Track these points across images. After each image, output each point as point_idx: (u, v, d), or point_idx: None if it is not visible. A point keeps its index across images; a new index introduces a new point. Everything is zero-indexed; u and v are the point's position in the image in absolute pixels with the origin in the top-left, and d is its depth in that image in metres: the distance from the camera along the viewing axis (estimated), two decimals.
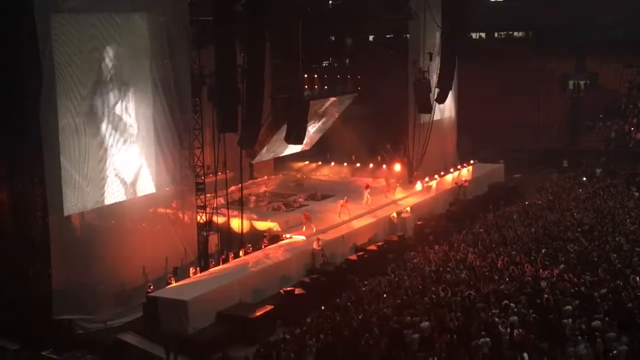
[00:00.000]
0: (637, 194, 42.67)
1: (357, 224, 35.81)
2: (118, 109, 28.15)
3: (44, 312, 26.03)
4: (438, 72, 44.70)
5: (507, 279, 27.37)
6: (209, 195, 31.85)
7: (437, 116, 45.42)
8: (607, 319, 22.73)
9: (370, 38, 50.29)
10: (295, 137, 35.64)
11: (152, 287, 27.26)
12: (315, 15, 38.74)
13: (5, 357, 25.18)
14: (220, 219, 33.08)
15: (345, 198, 36.76)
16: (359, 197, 37.86)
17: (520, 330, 22.24)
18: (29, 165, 26.89)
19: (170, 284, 27.65)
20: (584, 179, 48.90)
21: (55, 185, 26.12)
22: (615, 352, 20.53)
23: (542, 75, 62.48)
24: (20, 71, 26.26)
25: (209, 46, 31.59)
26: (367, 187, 38.57)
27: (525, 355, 20.44)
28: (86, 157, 26.92)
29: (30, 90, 25.65)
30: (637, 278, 26.14)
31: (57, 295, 26.21)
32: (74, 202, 26.62)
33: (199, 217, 31.53)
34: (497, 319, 23.21)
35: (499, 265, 29.31)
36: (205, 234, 31.60)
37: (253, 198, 39.44)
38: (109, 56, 27.60)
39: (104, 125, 27.64)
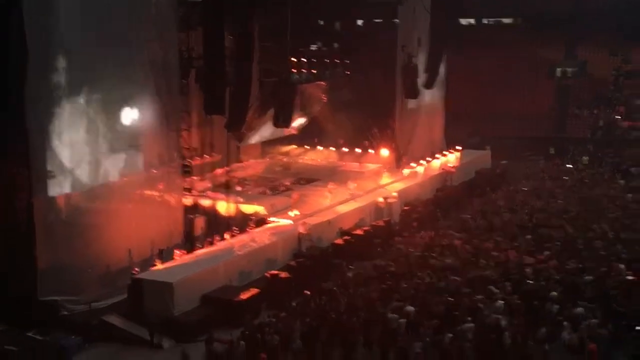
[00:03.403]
0: (622, 182, 42.93)
1: (344, 208, 35.80)
2: (105, 90, 27.94)
3: (29, 293, 25.92)
4: (426, 57, 44.68)
5: (493, 265, 27.52)
6: (195, 177, 31.76)
7: (424, 102, 45.40)
8: (590, 305, 22.92)
9: (360, 22, 50.04)
10: (283, 120, 35.59)
11: (137, 269, 27.21)
12: None
13: None
14: (206, 202, 33.02)
15: (329, 186, 36.78)
16: (345, 185, 37.86)
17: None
18: (14, 146, 26.57)
19: (156, 266, 27.62)
20: (570, 166, 49.15)
21: (40, 166, 25.95)
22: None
23: (531, 62, 62.43)
24: (6, 48, 25.90)
25: (198, 28, 31.39)
26: (351, 182, 38.57)
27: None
28: (71, 138, 26.72)
29: (16, 69, 25.34)
30: (621, 265, 26.37)
31: (42, 277, 26.06)
32: (59, 183, 26.47)
33: (185, 200, 31.41)
34: (481, 305, 23.37)
35: (484, 251, 29.46)
36: (191, 216, 31.55)
37: (236, 181, 39.32)
38: (96, 36, 27.35)
39: (90, 106, 27.44)
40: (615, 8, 59.35)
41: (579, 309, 22.79)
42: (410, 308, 23.26)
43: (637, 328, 21.58)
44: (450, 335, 21.31)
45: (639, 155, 49.06)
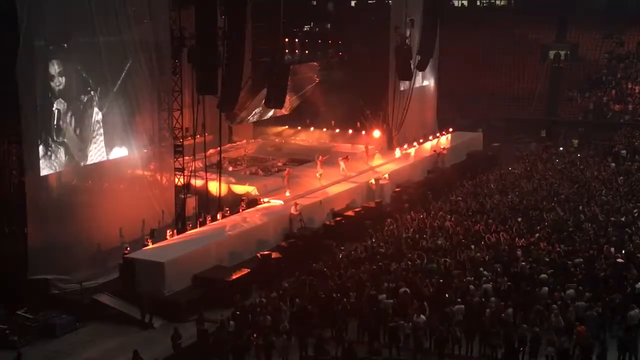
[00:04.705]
0: (613, 164, 43.03)
1: (335, 189, 35.80)
2: (97, 69, 27.84)
3: (19, 271, 25.91)
4: (419, 39, 44.58)
5: (484, 247, 27.61)
6: (187, 157, 31.73)
7: (417, 83, 45.36)
8: (580, 287, 23.06)
9: (352, 3, 49.87)
10: (275, 101, 35.48)
11: (128, 249, 27.22)
12: None
13: None
14: (198, 182, 33.01)
15: (321, 156, 36.72)
16: (336, 165, 37.75)
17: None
18: (5, 124, 26.47)
19: (147, 245, 27.62)
20: (562, 149, 49.24)
21: (32, 144, 25.88)
22: None
23: (523, 45, 62.43)
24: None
25: (190, 7, 31.22)
26: (345, 158, 38.31)
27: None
28: (63, 116, 26.66)
29: (7, 48, 25.18)
30: (611, 248, 26.50)
31: (33, 255, 26.05)
32: (50, 162, 26.42)
33: (176, 180, 31.41)
34: (472, 286, 23.48)
35: (475, 233, 29.53)
36: (183, 196, 31.52)
37: (227, 161, 39.23)
38: (87, 15, 27.20)
39: (81, 85, 27.35)
40: None
41: (569, 291, 22.94)
42: (402, 289, 23.35)
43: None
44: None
45: (630, 138, 49.13)
